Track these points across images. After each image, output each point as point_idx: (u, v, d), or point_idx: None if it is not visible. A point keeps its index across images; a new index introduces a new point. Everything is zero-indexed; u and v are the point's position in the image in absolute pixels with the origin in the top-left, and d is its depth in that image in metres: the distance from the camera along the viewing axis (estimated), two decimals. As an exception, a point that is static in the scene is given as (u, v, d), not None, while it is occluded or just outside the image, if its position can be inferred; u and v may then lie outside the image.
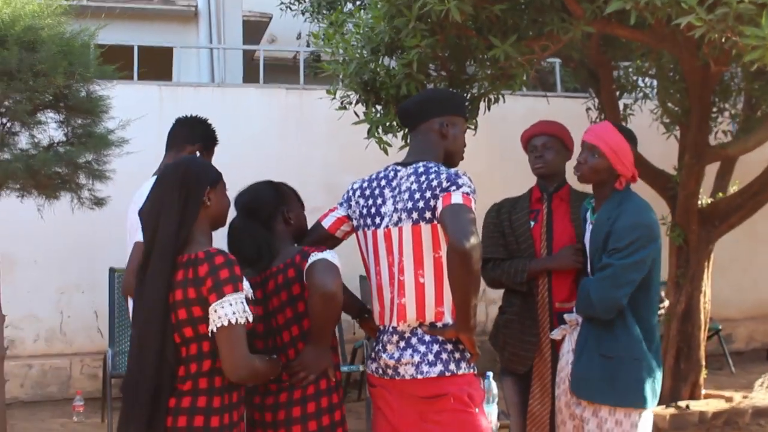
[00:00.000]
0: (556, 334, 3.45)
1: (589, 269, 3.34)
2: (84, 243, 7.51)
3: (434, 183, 2.73)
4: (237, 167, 7.82)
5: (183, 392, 2.47)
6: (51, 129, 4.92)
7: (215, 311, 2.42)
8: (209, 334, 2.44)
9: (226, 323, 2.41)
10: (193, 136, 3.83)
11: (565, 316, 3.42)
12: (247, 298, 2.51)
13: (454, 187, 2.69)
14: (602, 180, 3.31)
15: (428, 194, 2.72)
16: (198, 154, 3.70)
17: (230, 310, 2.42)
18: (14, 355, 7.35)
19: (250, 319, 2.48)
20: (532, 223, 3.69)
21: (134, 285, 2.62)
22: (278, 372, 2.70)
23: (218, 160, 8.12)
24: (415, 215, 2.74)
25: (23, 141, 4.77)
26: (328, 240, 3.03)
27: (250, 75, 10.09)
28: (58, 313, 7.67)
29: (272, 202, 2.99)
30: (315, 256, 2.75)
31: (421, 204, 2.73)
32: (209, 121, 3.96)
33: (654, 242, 3.18)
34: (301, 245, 2.97)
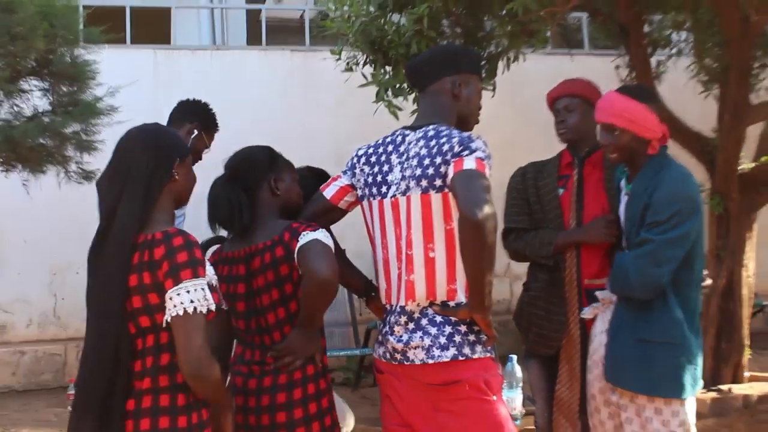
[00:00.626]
0: (587, 313, 3.36)
1: (624, 244, 3.25)
2: (76, 220, 7.47)
3: (445, 147, 2.63)
4: (238, 136, 7.76)
5: (142, 391, 2.31)
6: (35, 98, 4.88)
7: (171, 299, 2.26)
8: (164, 324, 2.29)
9: (182, 312, 2.25)
10: (192, 114, 3.89)
11: (598, 293, 3.31)
12: (210, 285, 2.38)
13: (466, 152, 2.59)
14: (634, 151, 3.21)
15: (438, 160, 2.62)
16: (196, 132, 3.76)
17: (187, 297, 2.26)
18: (5, 342, 7.39)
19: (212, 308, 2.33)
20: (561, 191, 3.56)
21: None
22: (226, 402, 2.52)
23: (220, 126, 8.09)
24: (424, 183, 2.64)
25: (4, 110, 4.72)
26: (331, 212, 2.94)
27: (253, 37, 10.01)
28: (52, 296, 7.68)
29: (259, 168, 2.93)
30: (306, 236, 2.69)
31: (430, 171, 2.63)
32: (212, 109, 4.05)
33: (697, 214, 3.07)
34: (296, 219, 2.90)
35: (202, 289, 2.29)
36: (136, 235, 2.36)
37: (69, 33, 4.48)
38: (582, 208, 3.52)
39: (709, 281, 3.38)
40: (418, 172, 2.65)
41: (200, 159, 3.79)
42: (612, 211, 3.42)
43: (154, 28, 8.88)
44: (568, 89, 3.61)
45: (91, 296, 2.46)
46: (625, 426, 3.13)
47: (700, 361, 3.09)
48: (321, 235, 2.69)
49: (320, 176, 3.15)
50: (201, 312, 2.28)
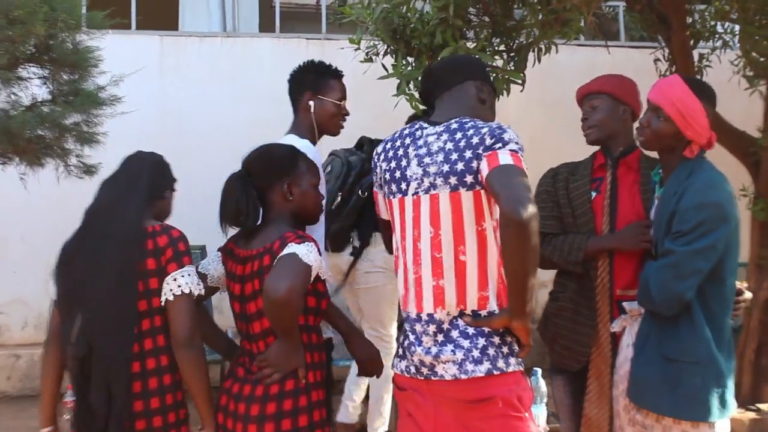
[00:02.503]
0: (615, 326, 3.34)
1: (654, 252, 3.22)
2: (75, 216, 7.51)
3: (474, 140, 2.61)
4: (249, 128, 7.84)
5: (147, 372, 2.87)
6: (33, 86, 4.89)
7: (175, 279, 2.86)
8: (162, 304, 2.87)
9: (180, 293, 2.84)
10: (302, 85, 3.84)
11: (625, 304, 3.30)
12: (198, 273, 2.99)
13: (499, 144, 2.58)
14: (669, 146, 3.18)
15: (468, 154, 2.61)
16: (311, 103, 3.76)
17: (184, 281, 2.86)
18: (0, 344, 7.42)
19: (202, 292, 2.92)
20: (594, 194, 3.55)
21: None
22: (201, 386, 2.89)
23: (229, 118, 8.10)
24: (453, 180, 2.62)
25: (1, 100, 4.74)
26: (389, 228, 2.98)
27: (265, 23, 10.02)
28: (49, 297, 7.69)
29: (274, 170, 3.00)
30: (288, 248, 2.76)
31: (460, 166, 2.61)
32: (316, 61, 3.98)
33: (726, 223, 3.00)
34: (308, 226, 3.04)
35: (192, 274, 2.89)
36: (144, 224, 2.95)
37: (70, 17, 4.48)
38: (615, 212, 3.50)
39: (748, 294, 3.32)
40: (446, 168, 2.63)
41: (341, 127, 3.88)
42: (647, 217, 3.39)
43: (160, 14, 8.92)
44: (596, 86, 3.61)
45: (92, 284, 2.92)
46: None
47: (730, 383, 3.05)
48: (303, 249, 2.74)
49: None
50: (194, 294, 2.87)
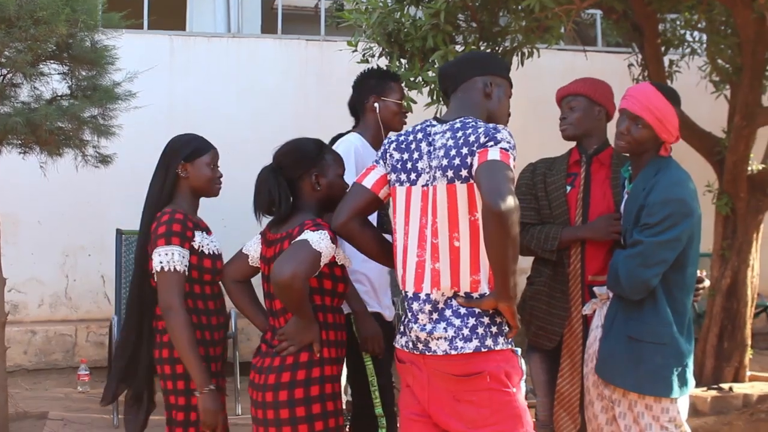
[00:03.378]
0: (587, 309, 3.43)
1: (622, 242, 3.31)
2: (90, 203, 7.57)
3: (471, 138, 2.67)
4: (253, 123, 7.90)
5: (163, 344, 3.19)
6: (54, 81, 4.92)
7: (153, 259, 3.12)
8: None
9: (158, 269, 3.09)
10: (367, 90, 3.87)
11: (595, 289, 3.40)
12: (202, 252, 3.19)
13: (491, 143, 2.63)
14: (646, 149, 3.26)
15: (465, 150, 2.66)
16: (377, 105, 3.79)
17: (157, 259, 3.09)
18: (17, 321, 7.46)
19: (178, 268, 3.09)
20: (569, 188, 3.62)
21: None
22: (184, 351, 3.06)
23: (234, 114, 8.12)
24: (450, 173, 2.68)
25: (24, 93, 4.77)
26: (374, 203, 2.96)
27: (268, 25, 10.05)
28: (63, 277, 7.76)
29: (304, 162, 3.10)
30: (303, 234, 2.87)
31: (456, 161, 2.67)
32: (375, 67, 4.03)
33: (689, 217, 3.10)
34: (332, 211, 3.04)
35: (173, 253, 3.09)
36: (156, 211, 3.26)
37: (90, 18, 4.51)
38: (588, 205, 3.58)
39: (707, 282, 3.42)
40: (444, 162, 2.69)
41: (404, 123, 3.86)
42: (617, 210, 3.47)
43: (170, 14, 8.92)
44: (574, 88, 3.67)
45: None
46: (618, 420, 3.21)
47: (690, 362, 3.15)
48: (315, 237, 2.84)
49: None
50: (167, 270, 3.08)
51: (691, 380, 3.18)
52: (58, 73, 4.90)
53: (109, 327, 6.56)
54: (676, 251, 3.08)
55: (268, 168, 3.11)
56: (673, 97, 3.29)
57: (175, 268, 3.09)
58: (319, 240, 2.83)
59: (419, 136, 2.84)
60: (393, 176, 2.87)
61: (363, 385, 3.47)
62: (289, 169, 3.09)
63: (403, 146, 2.87)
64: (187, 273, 3.15)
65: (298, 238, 2.85)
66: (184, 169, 3.29)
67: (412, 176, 2.80)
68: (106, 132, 4.97)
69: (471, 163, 2.64)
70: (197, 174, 3.31)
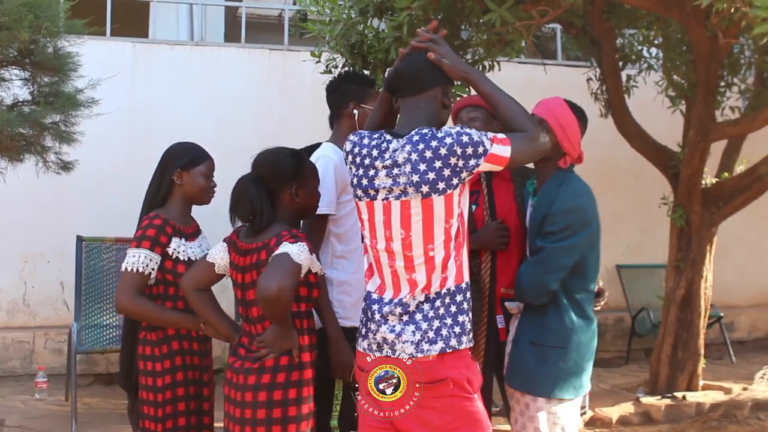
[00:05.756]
0: (499, 323, 3.62)
1: (528, 253, 3.39)
2: (51, 209, 7.49)
3: (442, 152, 2.66)
4: (216, 130, 7.87)
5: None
6: (15, 87, 4.88)
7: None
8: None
9: (123, 269, 3.28)
10: (347, 96, 3.76)
11: (507, 304, 3.46)
12: (177, 258, 3.32)
13: (482, 148, 2.69)
14: (547, 156, 3.25)
15: (438, 164, 2.67)
16: (356, 112, 3.68)
17: (125, 260, 3.28)
18: (-26, 327, 7.35)
19: (142, 270, 3.25)
20: (474, 207, 3.60)
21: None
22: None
23: (197, 121, 8.06)
24: (425, 188, 2.67)
25: (-16, 99, 4.74)
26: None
27: (231, 34, 10.02)
28: (22, 283, 7.66)
29: (285, 175, 3.12)
30: (282, 247, 2.90)
31: (431, 176, 2.67)
32: (351, 71, 4.07)
33: (588, 227, 3.22)
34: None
35: (139, 256, 3.26)
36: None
37: (53, 24, 4.49)
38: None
39: (606, 295, 3.54)
40: (416, 178, 2.67)
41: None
42: (523, 223, 3.51)
43: (133, 22, 8.86)
44: (473, 99, 3.66)
45: None
46: (515, 420, 3.32)
47: (587, 366, 3.27)
48: (295, 249, 2.89)
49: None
50: (129, 270, 3.26)
51: (588, 384, 3.30)
52: (20, 79, 4.87)
53: (68, 334, 6.48)
54: (574, 258, 3.20)
55: (249, 178, 3.11)
56: (579, 114, 3.41)
57: (137, 270, 3.25)
58: (299, 252, 2.89)
59: (374, 153, 2.81)
60: (356, 191, 2.88)
61: (326, 395, 3.45)
62: (268, 180, 3.10)
63: (358, 161, 2.85)
64: (152, 276, 3.29)
65: (278, 251, 2.89)
66: (180, 177, 3.40)
67: (371, 192, 2.81)
68: (67, 138, 4.94)
69: (471, 171, 2.70)
70: (192, 182, 3.42)
